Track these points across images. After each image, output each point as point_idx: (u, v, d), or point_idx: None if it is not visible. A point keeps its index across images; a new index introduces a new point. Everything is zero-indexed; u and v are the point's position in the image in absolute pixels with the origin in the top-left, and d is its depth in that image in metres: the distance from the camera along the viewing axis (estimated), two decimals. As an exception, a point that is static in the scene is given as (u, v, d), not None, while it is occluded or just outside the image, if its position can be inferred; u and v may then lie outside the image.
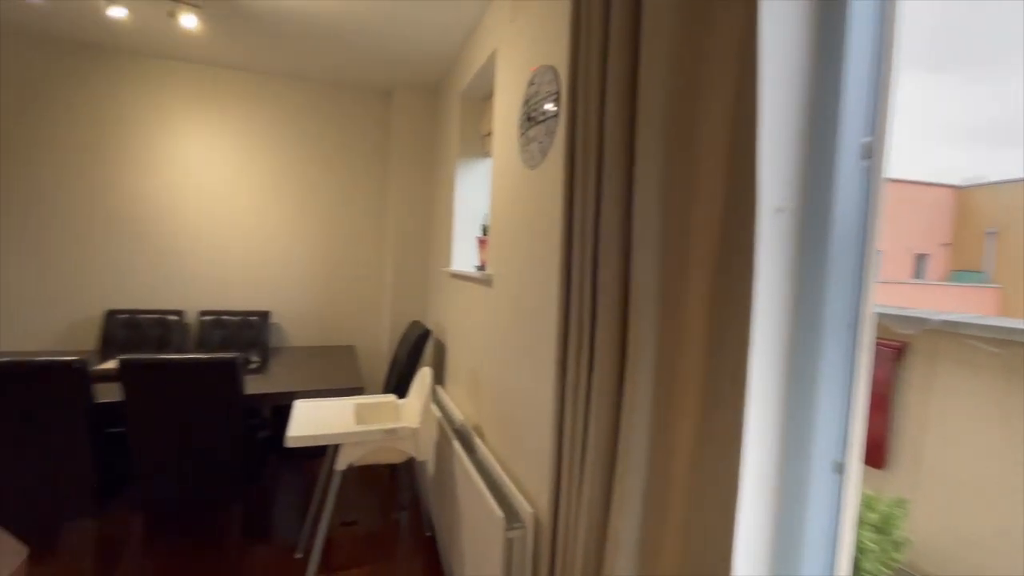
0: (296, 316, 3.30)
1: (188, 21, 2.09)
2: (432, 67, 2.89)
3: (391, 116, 3.39)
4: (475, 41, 2.36)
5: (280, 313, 3.26)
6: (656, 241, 0.79)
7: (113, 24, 2.47)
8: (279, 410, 2.72)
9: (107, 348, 2.82)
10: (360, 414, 2.04)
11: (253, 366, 2.64)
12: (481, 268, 2.36)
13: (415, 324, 2.88)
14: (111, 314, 2.87)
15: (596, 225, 0.92)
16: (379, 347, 3.50)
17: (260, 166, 3.18)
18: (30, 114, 2.76)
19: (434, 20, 2.30)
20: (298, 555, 2.23)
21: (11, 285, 2.78)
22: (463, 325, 2.38)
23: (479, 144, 2.68)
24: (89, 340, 2.92)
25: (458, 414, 2.21)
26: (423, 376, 2.06)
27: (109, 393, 1.87)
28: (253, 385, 2.21)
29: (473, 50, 2.38)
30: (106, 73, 2.87)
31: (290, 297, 3.28)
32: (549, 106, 1.43)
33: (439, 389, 2.63)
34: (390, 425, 1.83)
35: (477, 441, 1.86)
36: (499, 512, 1.34)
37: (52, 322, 2.86)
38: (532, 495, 1.44)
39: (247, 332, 3.08)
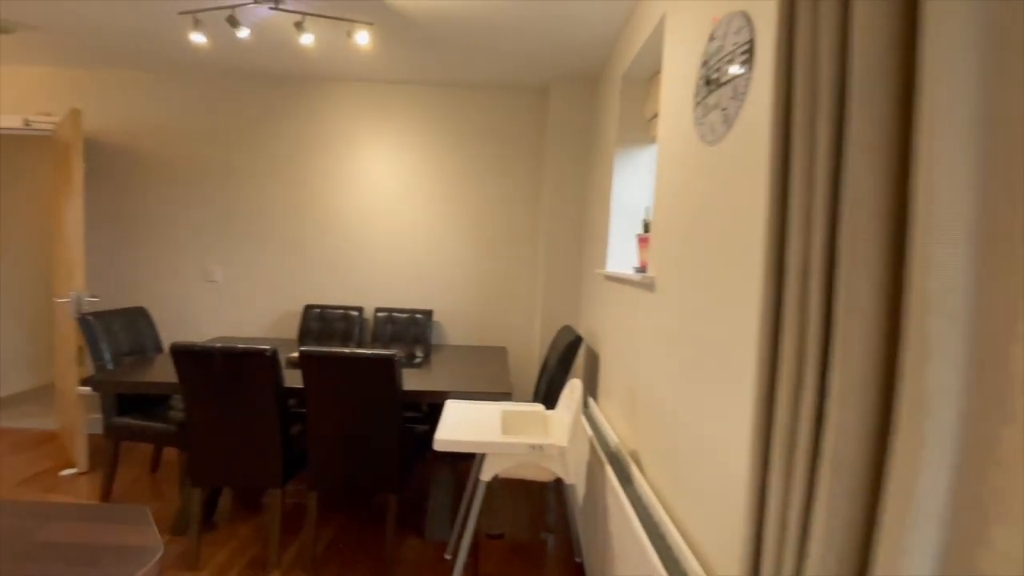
0: (455, 315, 3.41)
1: (362, 38, 2.25)
2: (591, 55, 2.70)
3: (547, 113, 3.29)
4: (639, 12, 2.09)
5: (442, 312, 3.40)
6: (965, 232, 0.47)
7: (303, 52, 2.82)
8: (435, 407, 2.80)
9: (304, 337, 3.26)
10: (507, 422, 1.94)
11: (417, 361, 2.77)
12: (641, 270, 2.08)
13: (566, 329, 2.72)
14: (308, 308, 3.31)
15: (832, 210, 0.61)
16: (530, 350, 3.43)
17: (425, 174, 3.36)
18: (247, 141, 3.32)
19: (594, 5, 2.11)
20: (447, 556, 2.23)
21: (239, 282, 3.39)
22: (618, 334, 2.13)
23: (642, 129, 2.40)
24: (292, 330, 3.41)
25: (612, 435, 1.96)
26: (573, 389, 1.87)
27: (296, 380, 2.09)
28: (412, 381, 2.28)
29: (637, 23, 2.12)
30: (300, 100, 3.32)
31: (450, 297, 3.40)
32: (735, 68, 1.11)
33: (591, 403, 2.41)
34: (536, 440, 1.68)
35: (634, 470, 1.60)
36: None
37: (266, 313, 3.41)
38: (703, 550, 1.13)
39: (413, 329, 3.27)
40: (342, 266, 3.39)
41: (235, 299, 3.40)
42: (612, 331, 2.25)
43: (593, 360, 2.61)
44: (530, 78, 3.10)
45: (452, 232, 3.38)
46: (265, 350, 1.94)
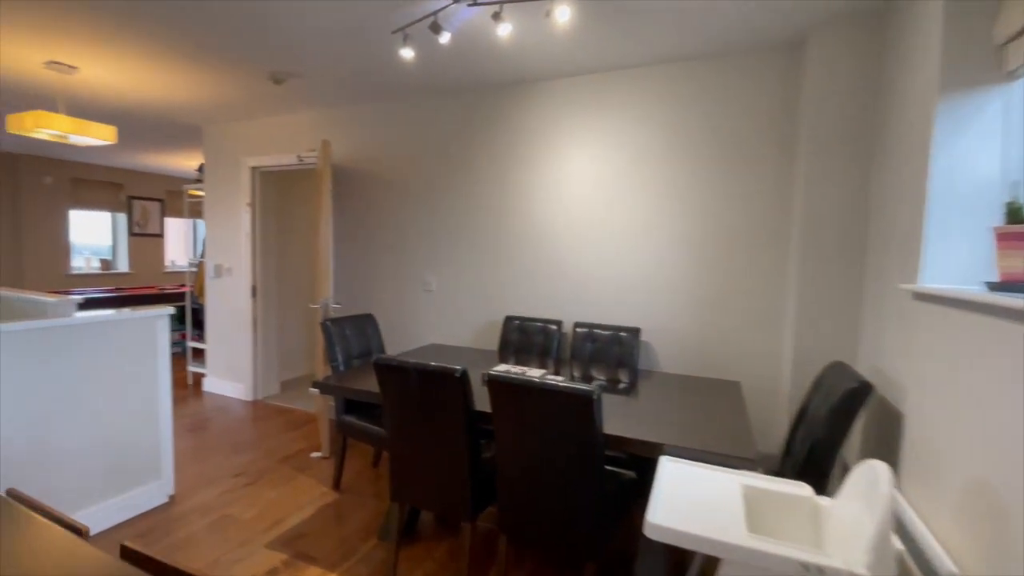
0: (669, 336, 2.85)
1: (562, 14, 1.94)
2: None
3: (801, 75, 2.48)
4: None
5: (652, 331, 2.88)
6: None
7: (501, 54, 2.66)
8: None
9: (503, 349, 3.14)
10: (753, 507, 1.34)
11: (621, 385, 2.34)
12: (1005, 285, 1.24)
13: (837, 368, 1.91)
14: (508, 320, 3.18)
15: None
16: (773, 389, 2.62)
17: (636, 172, 2.90)
18: (456, 153, 3.37)
19: None
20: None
21: (450, 292, 3.47)
22: (952, 388, 1.31)
23: (990, 59, 1.50)
24: (493, 340, 3.34)
25: (941, 554, 1.18)
26: (875, 477, 1.17)
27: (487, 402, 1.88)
28: (615, 421, 1.85)
29: None
30: (501, 106, 3.21)
31: (664, 314, 2.85)
32: None
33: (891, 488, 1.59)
34: (812, 557, 1.06)
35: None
36: None
37: (472, 322, 3.41)
38: None
39: (616, 348, 2.84)
40: (542, 276, 3.18)
41: (446, 308, 3.50)
42: (936, 381, 1.42)
43: (890, 420, 1.76)
44: (774, 30, 2.36)
45: (667, 236, 2.83)
46: (455, 371, 1.77)
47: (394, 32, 2.36)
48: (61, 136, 3.04)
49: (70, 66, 3.06)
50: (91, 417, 2.35)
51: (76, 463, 2.30)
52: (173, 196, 7.88)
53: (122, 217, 7.32)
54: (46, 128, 2.85)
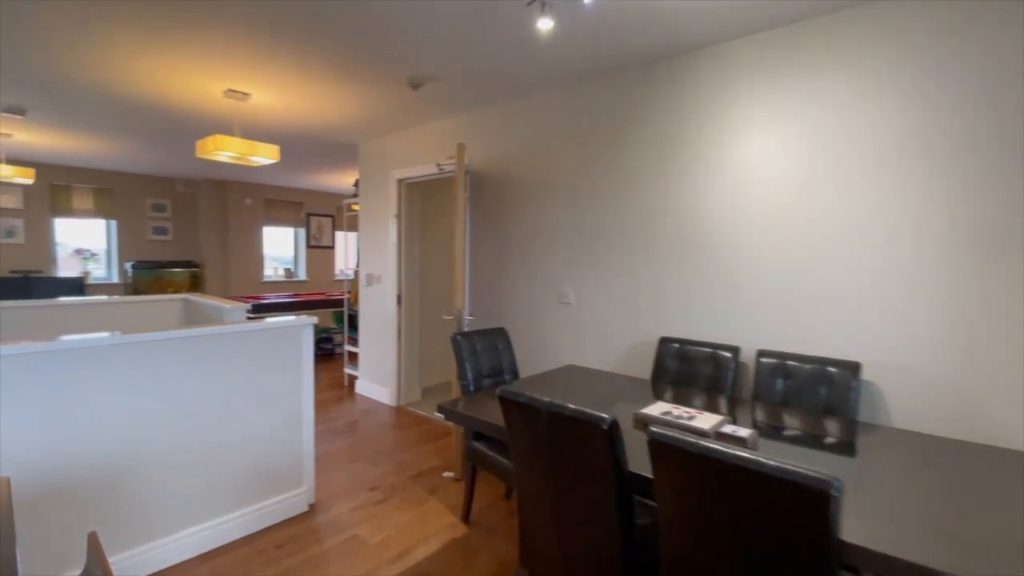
0: (908, 377, 2.01)
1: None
2: None
3: None
4: None
5: (879, 368, 2.08)
6: None
7: (657, 13, 2.13)
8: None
9: (658, 378, 2.58)
10: None
11: (828, 440, 1.65)
12: None
13: None
14: (664, 342, 2.62)
15: None
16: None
17: (848, 146, 2.13)
18: (599, 150, 2.91)
19: None
20: None
21: (592, 305, 3.03)
22: None
23: None
24: (645, 365, 2.80)
25: None
26: None
27: (646, 458, 1.40)
28: (851, 522, 1.22)
29: None
30: (655, 88, 2.66)
31: (899, 344, 2.03)
32: None
33: None
34: None
35: None
36: None
37: (618, 342, 2.92)
38: None
39: (821, 389, 2.10)
40: (711, 288, 2.55)
41: (587, 323, 3.06)
42: None
43: None
44: None
45: (901, 239, 2.02)
46: (601, 421, 1.32)
47: (529, 3, 2.02)
48: (238, 157, 3.34)
49: (244, 93, 3.35)
50: (238, 422, 2.42)
51: (223, 466, 2.37)
52: (341, 212, 8.80)
53: (302, 231, 8.36)
54: (223, 151, 3.13)
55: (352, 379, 5.32)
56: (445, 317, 2.94)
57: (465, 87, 3.17)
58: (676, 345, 2.58)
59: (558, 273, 3.19)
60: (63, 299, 3.61)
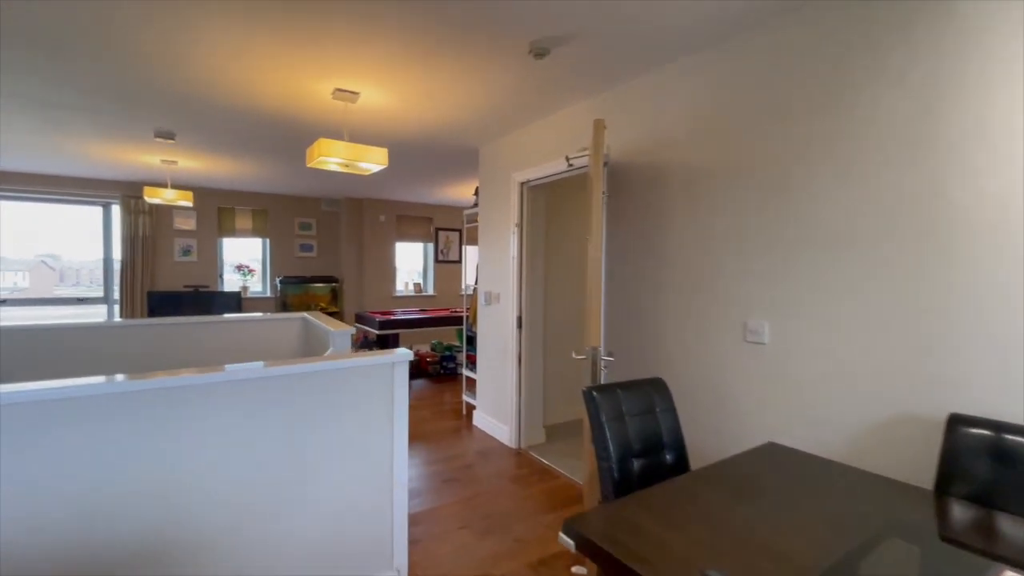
0: None
1: None
2: None
3: None
4: None
5: None
6: None
7: None
8: None
9: (948, 486, 1.47)
10: None
11: None
12: None
13: None
14: (956, 424, 1.51)
15: None
16: None
17: None
18: (804, 125, 1.88)
19: None
20: None
21: (800, 348, 1.99)
22: None
23: None
24: (915, 461, 1.69)
25: None
26: None
27: None
28: None
29: None
30: (914, 14, 1.56)
31: None
32: None
33: None
34: None
35: None
36: None
37: (858, 413, 1.84)
38: None
39: None
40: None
41: (792, 375, 2.04)
42: None
43: None
44: None
45: None
46: None
47: None
48: (346, 164, 2.98)
49: (352, 92, 3.00)
50: (307, 485, 1.90)
51: (289, 540, 1.87)
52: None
53: (431, 247, 8.29)
54: (330, 156, 2.78)
55: (470, 408, 4.80)
56: (576, 356, 2.16)
57: (600, 53, 2.39)
58: (987, 433, 1.45)
59: (742, 298, 2.21)
60: (192, 318, 3.62)
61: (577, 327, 4.51)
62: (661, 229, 2.57)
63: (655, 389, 1.93)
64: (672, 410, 1.92)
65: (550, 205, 4.30)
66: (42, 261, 7.57)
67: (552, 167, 3.36)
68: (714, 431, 2.28)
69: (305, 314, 3.86)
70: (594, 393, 1.78)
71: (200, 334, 3.68)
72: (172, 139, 4.02)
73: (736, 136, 2.22)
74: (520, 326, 3.78)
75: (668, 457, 1.84)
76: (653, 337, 2.59)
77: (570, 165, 3.14)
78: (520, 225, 3.77)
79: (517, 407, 3.81)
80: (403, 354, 2.07)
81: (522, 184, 3.76)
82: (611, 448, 1.72)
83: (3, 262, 6.73)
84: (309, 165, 2.97)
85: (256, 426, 1.79)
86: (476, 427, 4.32)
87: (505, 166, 3.95)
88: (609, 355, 2.32)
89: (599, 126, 2.15)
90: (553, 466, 3.47)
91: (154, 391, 1.60)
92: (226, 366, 1.78)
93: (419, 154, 4.58)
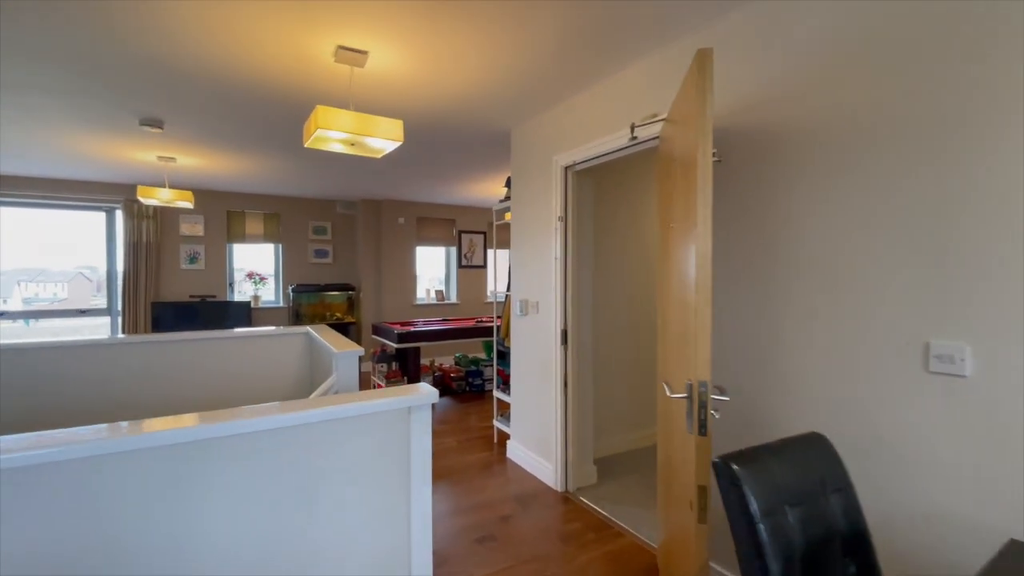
0: None
1: None
2: None
3: None
4: None
5: None
6: None
7: None
8: None
9: None
10: None
11: None
12: None
13: None
14: None
15: None
16: None
17: None
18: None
19: None
20: None
21: (1013, 391, 1.26)
22: None
23: None
24: None
25: None
26: None
27: None
28: None
29: None
30: None
31: None
32: None
33: None
34: None
35: None
36: None
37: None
38: None
39: None
40: None
41: (1009, 423, 1.31)
42: None
43: None
44: None
45: None
46: None
47: None
48: (352, 142, 2.37)
49: (359, 52, 2.38)
50: (304, 565, 1.26)
51: None
52: (493, 228, 7.97)
53: (453, 250, 7.68)
54: (330, 129, 2.17)
55: (503, 437, 4.13)
56: (672, 395, 1.45)
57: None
58: None
59: (920, 308, 1.48)
60: (188, 335, 3.06)
61: (634, 342, 3.80)
62: (780, 214, 1.87)
63: (818, 454, 1.22)
64: (847, 488, 1.21)
65: (603, 193, 3.63)
66: (80, 272, 7.24)
67: (606, 144, 2.69)
68: (906, 516, 1.54)
69: (308, 328, 3.26)
70: (734, 467, 1.08)
71: (198, 352, 3.13)
72: (160, 127, 3.49)
73: (910, 76, 1.51)
74: (565, 341, 3.11)
75: (852, 571, 1.13)
76: (771, 364, 1.87)
77: (634, 138, 2.46)
78: (564, 218, 3.10)
79: (563, 442, 3.13)
80: (425, 394, 1.42)
81: (566, 169, 3.10)
82: (771, 563, 1.03)
83: (45, 274, 6.45)
84: (307, 145, 2.36)
85: (237, 490, 1.15)
86: (511, 461, 3.64)
87: (544, 148, 3.29)
88: (720, 394, 1.61)
89: (704, 58, 1.47)
90: (613, 518, 2.77)
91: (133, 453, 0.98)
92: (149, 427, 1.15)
93: (440, 140, 3.96)
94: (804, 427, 1.76)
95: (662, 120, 2.24)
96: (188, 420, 1.20)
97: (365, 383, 6.28)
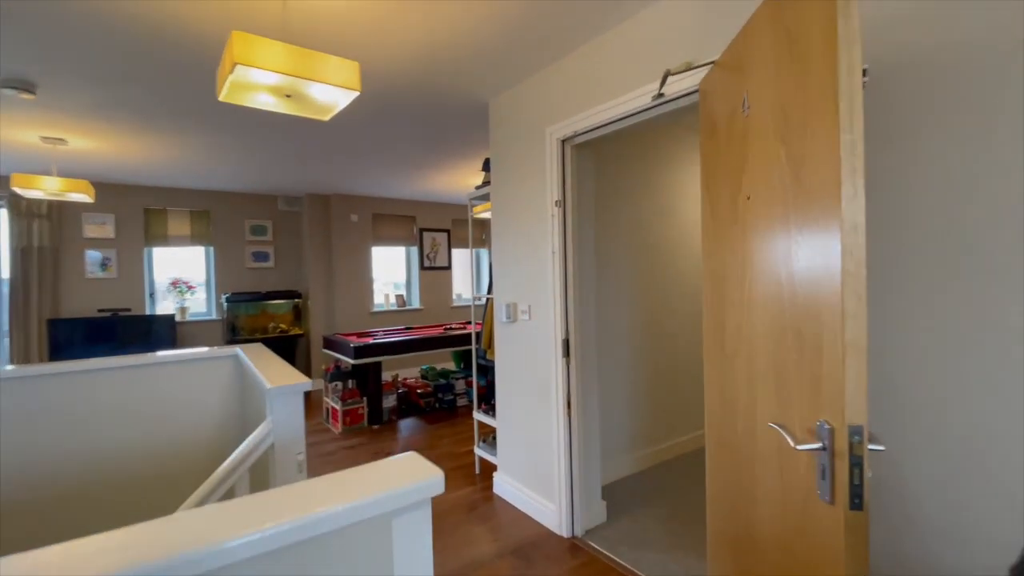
0: None
1: None
2: None
3: None
4: None
5: None
6: None
7: None
8: None
9: None
10: None
11: None
12: None
13: None
14: None
15: None
16: None
17: None
18: None
19: None
20: None
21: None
22: None
23: None
24: None
25: None
26: None
27: None
28: None
29: None
30: None
31: None
32: None
33: None
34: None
35: None
36: None
37: None
38: None
39: None
40: None
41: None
42: None
43: None
44: None
45: None
46: None
47: None
48: (289, 92, 1.71)
49: (295, -35, 1.72)
50: None
51: None
52: (458, 225, 7.33)
53: (414, 251, 6.98)
54: (254, 66, 1.49)
55: (488, 467, 3.51)
56: (798, 447, 0.89)
57: None
58: None
59: None
60: (85, 364, 2.26)
61: (635, 345, 3.29)
62: (957, 177, 1.37)
63: None
64: None
65: (611, 174, 3.10)
66: None
67: (624, 103, 2.14)
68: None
69: (238, 350, 2.53)
70: None
71: (96, 385, 2.34)
72: (31, 92, 2.65)
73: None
74: (567, 353, 2.54)
75: None
76: (937, 405, 1.36)
77: (660, 95, 1.92)
78: (562, 203, 2.54)
79: (567, 478, 2.56)
80: (420, 487, 0.80)
81: (563, 142, 2.53)
82: None
83: None
84: (223, 97, 1.67)
85: None
86: (499, 498, 3.03)
87: (532, 120, 2.72)
88: (875, 443, 1.08)
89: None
90: (636, 571, 2.22)
91: None
92: None
93: (401, 112, 3.30)
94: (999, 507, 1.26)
95: (707, 65, 1.71)
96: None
97: (316, 407, 5.47)
